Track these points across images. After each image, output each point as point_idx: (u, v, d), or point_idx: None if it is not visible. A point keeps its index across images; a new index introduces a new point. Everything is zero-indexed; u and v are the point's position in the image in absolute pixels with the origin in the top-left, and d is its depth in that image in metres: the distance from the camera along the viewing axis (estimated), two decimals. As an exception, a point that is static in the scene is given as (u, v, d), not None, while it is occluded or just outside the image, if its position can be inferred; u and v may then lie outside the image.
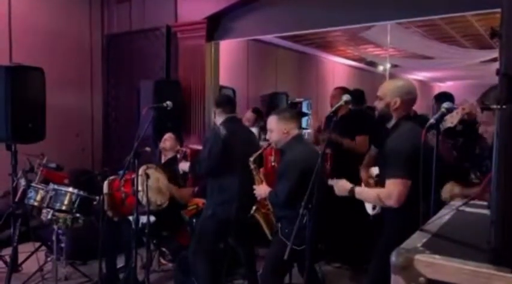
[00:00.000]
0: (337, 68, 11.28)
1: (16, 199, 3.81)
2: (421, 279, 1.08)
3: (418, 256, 1.10)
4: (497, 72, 1.07)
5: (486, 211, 1.35)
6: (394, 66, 10.65)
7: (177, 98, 4.82)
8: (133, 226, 3.13)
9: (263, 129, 5.83)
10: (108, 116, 6.39)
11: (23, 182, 3.69)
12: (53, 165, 3.96)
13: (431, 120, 1.91)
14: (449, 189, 2.38)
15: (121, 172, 3.32)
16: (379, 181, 2.52)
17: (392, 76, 9.11)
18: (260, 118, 5.91)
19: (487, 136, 2.18)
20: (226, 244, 3.57)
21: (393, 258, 1.13)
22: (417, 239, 1.25)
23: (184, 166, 3.53)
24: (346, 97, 2.49)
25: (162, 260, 4.23)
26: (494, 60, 9.37)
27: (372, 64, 11.51)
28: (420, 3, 4.16)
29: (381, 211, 2.56)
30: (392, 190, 2.23)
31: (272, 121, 2.87)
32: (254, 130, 5.78)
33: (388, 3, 4.33)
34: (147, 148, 3.42)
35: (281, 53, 9.01)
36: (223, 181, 3.21)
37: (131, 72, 6.03)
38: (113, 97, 6.34)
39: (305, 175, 2.56)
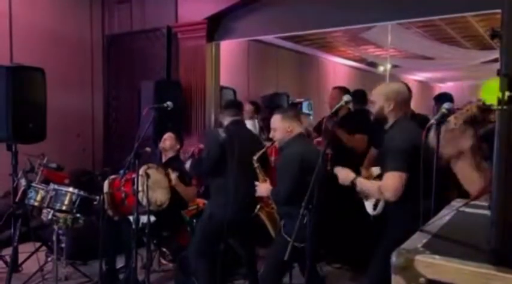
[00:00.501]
0: (338, 69, 11.29)
1: (16, 199, 3.81)
2: (422, 279, 1.08)
3: (418, 257, 1.10)
4: (498, 73, 1.07)
5: (486, 212, 1.35)
6: (394, 66, 10.66)
7: (177, 98, 4.83)
8: (133, 226, 3.13)
9: (263, 129, 5.85)
10: (109, 116, 6.40)
11: (23, 182, 3.70)
12: (53, 165, 3.97)
13: (432, 121, 1.91)
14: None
15: (121, 171, 3.33)
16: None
17: (392, 76, 9.12)
18: (258, 110, 5.99)
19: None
20: (227, 244, 3.58)
21: (393, 258, 1.13)
22: (417, 239, 1.25)
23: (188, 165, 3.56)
24: (346, 97, 2.50)
25: (163, 261, 4.23)
26: (494, 60, 9.39)
27: (373, 64, 11.52)
28: (421, 4, 4.17)
29: (381, 211, 2.56)
30: (389, 182, 2.29)
31: (276, 120, 2.90)
32: (251, 123, 5.80)
33: (388, 3, 4.34)
34: (148, 149, 3.43)
35: (282, 53, 9.01)
36: (221, 183, 3.23)
37: (132, 72, 6.04)
38: (113, 97, 6.34)
39: (304, 169, 2.58)
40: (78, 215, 3.53)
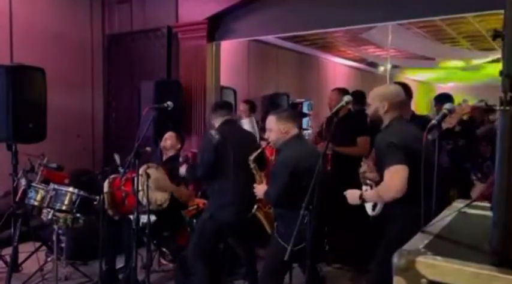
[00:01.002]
0: (338, 69, 11.29)
1: (17, 199, 3.81)
2: (423, 280, 1.08)
3: (419, 258, 1.10)
4: (500, 73, 1.07)
5: (488, 213, 1.35)
6: (394, 66, 10.66)
7: (177, 98, 4.83)
8: (133, 226, 3.13)
9: (263, 129, 5.85)
10: (109, 116, 6.39)
11: (23, 182, 3.70)
12: (53, 165, 3.97)
13: (433, 122, 1.90)
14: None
15: (122, 170, 3.32)
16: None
17: (393, 77, 9.12)
18: (253, 109, 6.06)
19: None
20: (226, 244, 3.57)
21: (395, 259, 1.13)
22: (419, 240, 1.25)
23: (183, 170, 3.56)
24: (347, 98, 2.50)
25: (163, 261, 4.23)
26: (495, 61, 9.39)
27: (373, 65, 11.53)
28: (421, 4, 4.16)
29: (381, 212, 2.56)
30: (391, 179, 2.28)
31: (271, 121, 2.88)
32: (248, 121, 5.81)
33: (389, 4, 4.33)
34: (148, 148, 3.43)
35: (282, 53, 9.01)
36: (219, 184, 3.22)
37: (132, 72, 6.03)
38: (113, 97, 6.34)
39: (300, 173, 2.57)
40: (78, 215, 3.53)
